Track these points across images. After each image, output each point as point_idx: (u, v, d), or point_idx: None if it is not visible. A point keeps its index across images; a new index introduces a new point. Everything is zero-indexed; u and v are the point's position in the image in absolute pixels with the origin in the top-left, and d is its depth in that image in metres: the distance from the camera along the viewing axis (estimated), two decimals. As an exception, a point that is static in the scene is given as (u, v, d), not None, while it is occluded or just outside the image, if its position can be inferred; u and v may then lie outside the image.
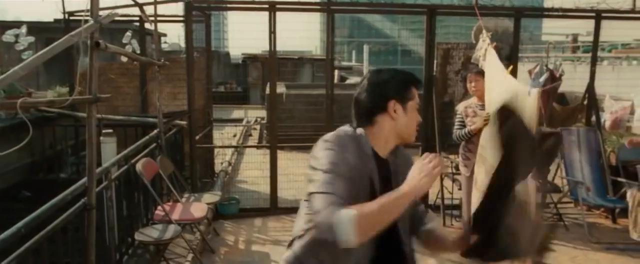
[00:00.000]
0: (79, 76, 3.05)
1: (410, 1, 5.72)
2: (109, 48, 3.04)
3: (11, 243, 2.38)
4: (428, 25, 5.44)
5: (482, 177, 3.70)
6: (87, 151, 3.02)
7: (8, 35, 6.61)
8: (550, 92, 6.40)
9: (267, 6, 5.20)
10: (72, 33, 2.80)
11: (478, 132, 4.11)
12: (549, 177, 5.93)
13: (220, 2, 5.54)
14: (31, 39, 6.53)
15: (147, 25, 9.18)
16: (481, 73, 4.16)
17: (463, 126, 4.30)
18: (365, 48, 16.22)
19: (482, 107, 4.18)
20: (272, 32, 5.25)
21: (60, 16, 6.95)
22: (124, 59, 6.87)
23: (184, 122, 5.52)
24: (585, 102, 6.11)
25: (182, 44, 10.12)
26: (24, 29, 6.59)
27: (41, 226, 2.80)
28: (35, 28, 7.18)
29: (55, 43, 2.75)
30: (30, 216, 2.53)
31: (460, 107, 4.39)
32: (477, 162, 4.01)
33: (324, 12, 5.38)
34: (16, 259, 2.39)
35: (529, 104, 2.86)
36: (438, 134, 5.50)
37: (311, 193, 1.48)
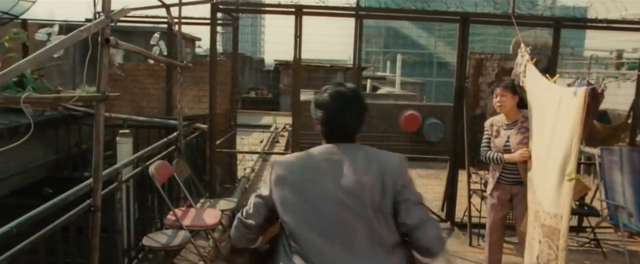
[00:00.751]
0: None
1: (443, 8, 5.49)
2: (121, 45, 2.95)
3: (5, 241, 2.29)
4: (461, 34, 5.19)
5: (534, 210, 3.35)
6: (94, 151, 2.92)
7: (40, 34, 6.71)
8: (591, 108, 6.02)
9: (293, 10, 5.07)
10: (82, 28, 2.71)
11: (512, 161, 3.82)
12: (587, 200, 5.55)
13: (246, 4, 5.44)
14: (62, 37, 6.60)
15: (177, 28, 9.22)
16: (509, 88, 3.86)
17: (489, 145, 4.01)
18: (399, 58, 15.96)
19: (508, 126, 3.89)
20: (298, 36, 5.12)
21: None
22: (152, 60, 6.87)
23: (205, 126, 5.42)
24: (630, 121, 5.72)
25: (218, 48, 10.11)
26: (56, 28, 6.68)
27: (44, 225, 2.72)
28: (67, 27, 7.28)
29: (63, 38, 2.67)
30: (25, 215, 2.43)
31: (487, 124, 4.11)
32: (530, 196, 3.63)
33: (352, 17, 5.21)
34: (7, 259, 2.29)
35: (576, 105, 2.56)
36: (467, 148, 5.22)
37: (416, 203, 1.77)
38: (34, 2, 8.95)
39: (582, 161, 7.36)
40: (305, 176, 1.78)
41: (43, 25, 7.31)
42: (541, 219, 2.72)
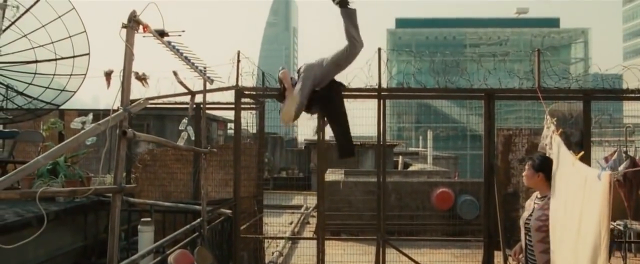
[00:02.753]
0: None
1: (467, 85, 5.45)
2: (138, 136, 2.98)
3: None
4: (486, 110, 5.10)
5: None
6: (109, 243, 2.88)
7: (76, 123, 6.98)
8: (634, 181, 5.70)
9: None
10: (100, 122, 2.77)
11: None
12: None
13: (270, 89, 5.55)
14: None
15: (209, 112, 9.46)
16: (530, 164, 3.73)
17: None
18: (429, 134, 15.88)
19: (539, 200, 3.70)
20: (321, 118, 5.13)
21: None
22: (181, 143, 6.99)
23: (228, 211, 5.36)
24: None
25: (250, 130, 10.26)
26: (90, 117, 6.94)
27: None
28: (101, 116, 7.57)
29: (81, 132, 2.72)
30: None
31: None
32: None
33: (374, 98, 5.22)
34: None
35: (601, 192, 2.34)
36: (502, 228, 4.95)
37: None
38: (75, 92, 9.44)
39: (633, 239, 6.88)
40: None
41: (80, 113, 7.63)
42: None
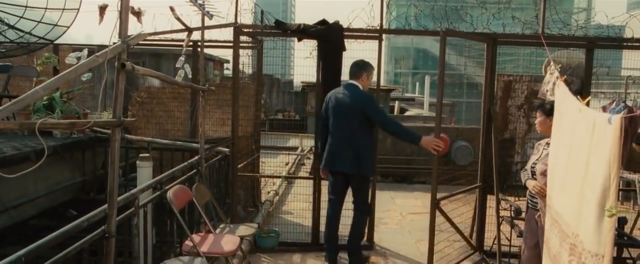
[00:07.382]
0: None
1: (470, 29, 5.34)
2: (137, 70, 2.92)
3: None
4: (489, 56, 5.04)
5: (555, 243, 3.12)
6: (109, 176, 2.88)
7: (71, 58, 6.86)
8: (629, 131, 5.73)
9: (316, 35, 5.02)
10: (98, 54, 2.71)
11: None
12: (627, 229, 5.24)
13: (270, 27, 5.42)
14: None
15: (206, 52, 9.30)
16: (542, 109, 3.72)
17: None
18: (427, 79, 15.78)
19: (547, 146, 3.72)
20: (320, 59, 5.07)
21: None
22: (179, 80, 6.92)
23: (226, 150, 5.38)
24: (672, 145, 5.41)
25: (246, 70, 10.16)
26: (85, 52, 6.81)
27: (62, 249, 2.71)
28: (96, 52, 7.43)
29: (78, 64, 2.67)
30: (35, 244, 2.39)
31: (537, 143, 3.95)
32: (548, 224, 3.41)
33: (375, 39, 5.13)
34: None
35: (611, 135, 2.34)
36: (496, 174, 5.01)
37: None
38: (68, 27, 9.21)
39: (621, 187, 7.01)
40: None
41: (75, 49, 7.49)
42: (582, 258, 2.48)
